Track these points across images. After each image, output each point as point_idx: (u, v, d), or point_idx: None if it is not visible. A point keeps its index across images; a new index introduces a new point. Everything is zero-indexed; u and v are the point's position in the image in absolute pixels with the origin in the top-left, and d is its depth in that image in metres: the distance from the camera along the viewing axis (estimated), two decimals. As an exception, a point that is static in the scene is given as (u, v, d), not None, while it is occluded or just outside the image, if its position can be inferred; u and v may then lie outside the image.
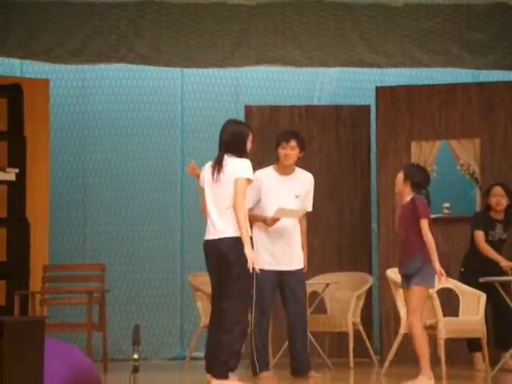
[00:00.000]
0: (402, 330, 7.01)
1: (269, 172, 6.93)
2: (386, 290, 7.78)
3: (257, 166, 8.47)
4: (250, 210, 6.80)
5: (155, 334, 8.78)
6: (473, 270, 7.38)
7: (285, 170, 6.90)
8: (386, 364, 7.12)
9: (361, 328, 7.96)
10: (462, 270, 7.58)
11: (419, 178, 6.26)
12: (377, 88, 8.68)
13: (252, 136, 6.25)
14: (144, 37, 8.00)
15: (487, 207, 7.62)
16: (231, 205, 5.94)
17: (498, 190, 7.55)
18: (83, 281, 7.94)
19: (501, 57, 8.15)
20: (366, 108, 8.97)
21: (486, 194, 7.69)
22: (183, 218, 9.02)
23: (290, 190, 6.82)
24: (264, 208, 6.82)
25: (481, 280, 6.98)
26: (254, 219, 6.81)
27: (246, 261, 5.86)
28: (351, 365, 7.72)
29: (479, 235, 7.49)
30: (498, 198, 7.52)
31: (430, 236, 6.09)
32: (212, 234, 6.01)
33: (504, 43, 8.11)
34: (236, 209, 5.91)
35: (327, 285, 7.87)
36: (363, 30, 8.15)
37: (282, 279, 6.78)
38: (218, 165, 6.06)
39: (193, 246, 8.66)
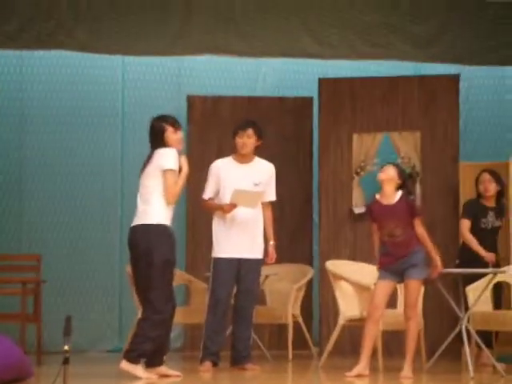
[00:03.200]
0: (341, 321, 6.99)
1: (227, 161, 6.97)
2: (326, 283, 7.75)
3: (198, 156, 8.47)
4: (210, 199, 6.82)
5: (93, 327, 8.64)
6: (467, 261, 7.18)
7: (243, 159, 6.92)
8: (325, 356, 7.10)
9: (300, 320, 7.94)
10: (457, 261, 7.39)
11: (407, 181, 6.52)
12: (319, 80, 8.65)
13: (173, 127, 6.27)
14: (84, 22, 7.83)
15: (478, 195, 7.49)
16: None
17: (485, 176, 7.41)
18: (19, 271, 7.79)
19: (443, 50, 8.18)
20: (309, 100, 8.94)
21: (475, 181, 7.53)
22: (123, 209, 8.88)
23: (248, 178, 6.84)
24: (222, 196, 6.83)
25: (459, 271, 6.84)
26: (211, 209, 6.85)
27: (156, 249, 6.00)
28: (290, 357, 7.69)
29: (464, 224, 7.35)
30: (486, 185, 7.39)
31: (425, 232, 6.35)
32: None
33: (446, 36, 8.14)
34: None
35: (267, 276, 7.82)
36: (308, 20, 8.10)
37: (239, 267, 6.77)
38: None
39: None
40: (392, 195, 6.38)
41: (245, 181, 6.79)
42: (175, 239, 6.21)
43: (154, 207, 6.12)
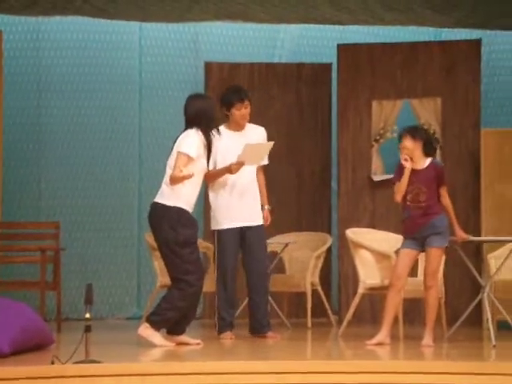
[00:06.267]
0: (361, 290, 6.96)
1: (220, 131, 6.79)
2: (345, 251, 7.72)
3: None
4: (210, 171, 6.71)
5: (112, 294, 8.67)
6: None
7: (237, 127, 6.79)
8: (344, 324, 7.08)
9: (319, 288, 7.92)
10: None
11: (429, 139, 6.39)
12: (338, 46, 8.56)
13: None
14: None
15: None
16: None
17: None
18: (37, 239, 7.78)
19: (464, 15, 8.05)
20: (328, 66, 8.85)
21: None
22: (141, 177, 8.88)
23: (243, 145, 6.69)
24: (221, 166, 6.68)
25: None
26: (216, 176, 6.67)
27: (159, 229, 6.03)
28: (309, 325, 7.69)
29: None
30: None
31: (450, 203, 6.33)
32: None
33: (467, 1, 8.01)
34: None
35: (286, 244, 7.79)
36: (326, -15, 7.98)
37: (243, 236, 6.70)
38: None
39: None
40: (421, 160, 6.32)
41: (240, 149, 6.62)
42: (189, 220, 6.03)
43: (169, 188, 6.03)
